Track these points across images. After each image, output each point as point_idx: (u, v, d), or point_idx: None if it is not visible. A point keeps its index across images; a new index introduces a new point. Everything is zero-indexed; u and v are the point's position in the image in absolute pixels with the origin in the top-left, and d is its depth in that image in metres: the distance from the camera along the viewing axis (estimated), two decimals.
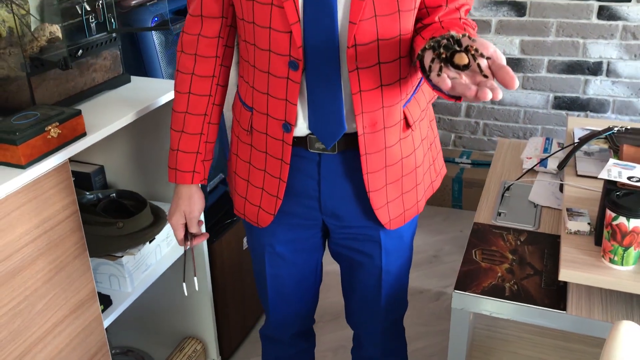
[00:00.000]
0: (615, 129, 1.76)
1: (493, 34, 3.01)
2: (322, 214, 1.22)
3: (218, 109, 1.26)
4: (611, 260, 1.31)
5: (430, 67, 0.89)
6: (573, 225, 1.43)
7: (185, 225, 1.34)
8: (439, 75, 0.86)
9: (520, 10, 2.92)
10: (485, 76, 0.85)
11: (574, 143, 1.80)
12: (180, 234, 1.35)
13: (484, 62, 0.86)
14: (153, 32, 1.74)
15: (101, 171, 1.87)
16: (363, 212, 1.21)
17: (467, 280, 1.45)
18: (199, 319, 2.02)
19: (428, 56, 0.90)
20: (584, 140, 1.76)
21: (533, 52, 2.99)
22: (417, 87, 1.19)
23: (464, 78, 0.87)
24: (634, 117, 2.97)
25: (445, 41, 0.89)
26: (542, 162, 1.90)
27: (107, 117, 1.44)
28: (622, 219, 1.25)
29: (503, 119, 3.17)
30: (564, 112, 3.07)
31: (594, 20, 2.84)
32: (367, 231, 1.24)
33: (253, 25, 1.08)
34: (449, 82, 0.84)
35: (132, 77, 1.69)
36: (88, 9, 1.67)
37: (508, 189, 1.81)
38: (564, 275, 1.32)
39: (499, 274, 1.46)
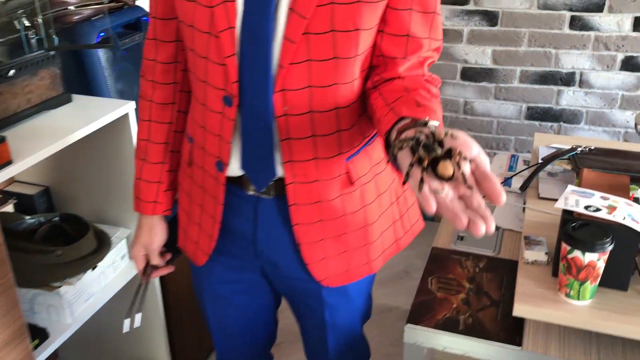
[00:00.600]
0: (579, 149, 1.70)
1: (465, 43, 2.95)
2: (259, 259, 1.15)
3: (180, 136, 1.18)
4: (567, 295, 1.24)
5: (408, 172, 0.76)
6: (530, 255, 1.37)
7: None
8: (420, 187, 0.73)
9: (491, 20, 2.87)
10: (470, 187, 0.74)
11: (537, 163, 1.74)
12: (140, 266, 1.28)
13: (467, 169, 0.74)
14: (99, 49, 1.65)
15: (46, 193, 1.79)
16: (300, 264, 1.12)
17: (420, 312, 1.38)
18: (153, 345, 1.94)
19: (405, 158, 0.77)
20: (547, 160, 1.70)
21: (505, 62, 2.93)
22: (370, 139, 1.09)
23: (448, 193, 0.74)
24: (607, 127, 2.92)
25: (423, 138, 0.77)
26: (507, 181, 1.84)
27: (40, 141, 1.35)
28: (577, 253, 1.19)
29: (476, 129, 3.11)
30: (537, 123, 3.01)
31: (566, 30, 2.79)
32: (307, 284, 1.15)
33: (193, 53, 1.01)
34: (433, 205, 0.71)
35: (75, 96, 1.60)
36: (27, 24, 1.58)
37: (462, 238, 1.72)
38: (519, 310, 1.26)
39: (455, 305, 1.40)
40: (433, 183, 0.74)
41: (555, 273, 1.31)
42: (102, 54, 1.67)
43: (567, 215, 1.27)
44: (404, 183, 0.76)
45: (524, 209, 1.67)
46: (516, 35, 2.86)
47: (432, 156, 0.75)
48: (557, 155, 1.70)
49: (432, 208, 0.71)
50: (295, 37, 0.90)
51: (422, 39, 0.97)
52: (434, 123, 0.81)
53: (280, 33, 0.91)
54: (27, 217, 1.64)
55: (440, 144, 0.77)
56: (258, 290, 1.22)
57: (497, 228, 1.66)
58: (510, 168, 1.94)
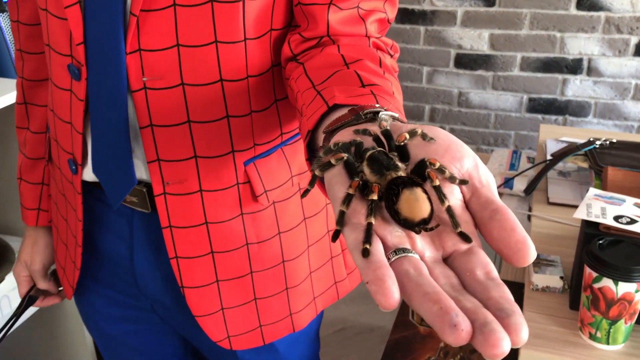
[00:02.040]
0: (598, 142, 1.38)
1: (459, 26, 2.63)
2: (144, 295, 0.82)
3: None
4: (592, 337, 0.92)
5: (342, 215, 0.40)
6: (540, 279, 1.05)
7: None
8: (365, 252, 0.37)
9: None
10: (465, 237, 0.39)
11: (545, 160, 1.41)
12: (21, 290, 0.97)
13: (455, 199, 0.41)
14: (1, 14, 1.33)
15: None
16: (190, 315, 0.77)
17: (397, 354, 1.06)
18: None
19: (337, 184, 0.42)
20: (558, 157, 1.38)
21: (504, 48, 2.62)
22: (292, 137, 0.75)
23: (424, 249, 0.40)
24: (618, 121, 2.61)
25: (370, 143, 0.44)
26: (508, 182, 1.52)
27: None
28: (607, 281, 0.87)
29: (471, 123, 2.79)
30: (539, 116, 2.70)
31: (573, 10, 2.48)
32: (211, 340, 0.79)
33: (36, 5, 0.70)
34: (395, 292, 0.34)
35: None
36: None
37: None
38: (526, 356, 0.94)
39: (441, 345, 1.07)
40: (392, 235, 0.39)
41: (574, 305, 0.99)
42: (4, 24, 1.35)
43: (591, 228, 0.95)
44: (334, 239, 0.40)
45: (529, 217, 1.35)
46: (516, 16, 2.55)
47: (385, 178, 0.41)
48: (570, 150, 1.37)
49: (390, 295, 0.34)
50: None
51: None
52: (389, 114, 0.47)
53: None
54: None
55: (402, 153, 0.43)
56: (159, 330, 0.89)
57: None
58: (512, 166, 1.62)
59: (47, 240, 0.94)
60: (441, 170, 0.40)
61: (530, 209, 1.36)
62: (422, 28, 2.69)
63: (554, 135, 1.64)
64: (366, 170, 0.42)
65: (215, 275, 0.73)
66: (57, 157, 0.77)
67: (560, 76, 2.62)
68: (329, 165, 0.43)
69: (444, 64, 2.72)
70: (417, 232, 0.40)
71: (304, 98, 0.58)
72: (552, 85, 2.64)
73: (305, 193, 0.46)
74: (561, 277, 1.04)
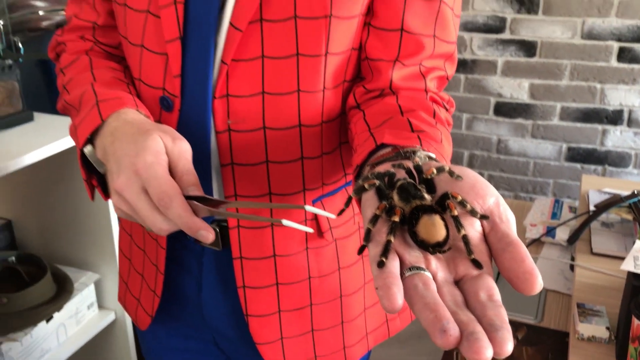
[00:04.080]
0: None
1: (499, 75, 2.68)
2: (208, 328, 0.86)
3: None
4: None
5: (369, 231, 0.46)
6: (586, 329, 1.06)
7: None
8: (380, 263, 0.43)
9: (529, 50, 2.60)
10: (476, 263, 0.44)
11: (588, 211, 1.44)
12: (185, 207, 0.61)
13: (474, 230, 0.46)
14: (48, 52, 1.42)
15: (7, 227, 1.54)
16: (252, 344, 0.82)
17: None
18: None
19: (369, 207, 0.49)
20: (602, 208, 1.40)
21: (544, 97, 2.65)
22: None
23: (437, 270, 0.45)
24: None
25: (402, 174, 0.50)
26: (550, 231, 1.54)
27: None
28: None
29: (510, 170, 2.81)
30: (578, 165, 2.71)
31: (614, 63, 2.51)
32: None
33: (126, 41, 0.76)
34: (399, 298, 0.40)
35: (38, 115, 1.37)
36: None
37: (497, 280, 1.43)
38: None
39: None
40: (410, 255, 0.45)
41: (621, 356, 1.01)
42: None
43: (638, 280, 0.97)
44: (359, 252, 0.46)
45: (572, 267, 1.36)
46: (556, 67, 2.59)
47: (411, 205, 0.46)
48: (614, 202, 1.40)
49: (394, 300, 0.40)
50: (242, 24, 0.66)
51: (423, 36, 0.69)
52: (425, 153, 0.53)
53: (227, 18, 0.67)
54: None
55: (430, 186, 0.48)
56: None
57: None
58: (554, 215, 1.64)
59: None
60: (462, 203, 0.45)
61: (573, 259, 1.38)
62: (462, 76, 2.74)
63: (596, 185, 1.66)
64: (395, 197, 0.47)
65: (278, 306, 0.78)
66: None
67: (600, 126, 2.63)
68: (362, 190, 0.50)
69: (483, 111, 2.76)
70: (432, 253, 0.45)
71: (359, 138, 0.64)
72: (591, 135, 2.65)
73: (340, 212, 0.52)
74: (607, 328, 1.06)
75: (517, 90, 2.68)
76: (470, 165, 2.88)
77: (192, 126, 0.71)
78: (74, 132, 0.70)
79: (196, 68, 0.69)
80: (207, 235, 0.58)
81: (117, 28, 0.78)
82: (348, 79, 0.73)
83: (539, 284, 0.41)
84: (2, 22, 1.33)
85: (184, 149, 0.62)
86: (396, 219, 0.45)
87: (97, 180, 0.70)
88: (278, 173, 0.72)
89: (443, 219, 0.45)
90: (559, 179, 2.76)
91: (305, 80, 0.69)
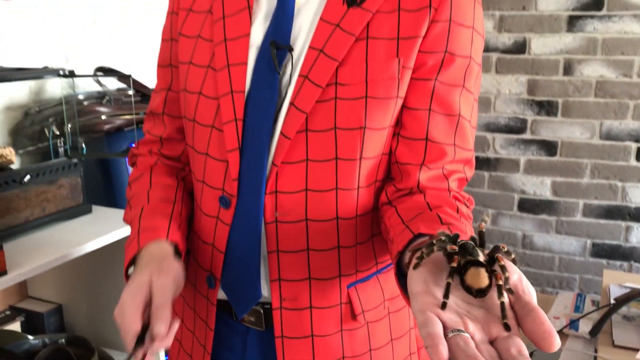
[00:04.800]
0: None
1: (522, 173, 2.79)
2: None
3: (188, 197, 0.94)
4: None
5: (444, 304, 0.56)
6: None
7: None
8: (443, 302, 0.55)
9: (550, 149, 2.72)
10: (507, 326, 0.54)
11: (609, 304, 1.49)
12: (132, 330, 0.71)
13: (506, 298, 0.55)
14: (127, 159, 1.58)
15: (58, 311, 1.65)
16: None
17: None
18: None
19: (415, 279, 0.60)
20: (622, 301, 1.46)
21: (566, 194, 2.74)
22: (385, 266, 0.91)
23: (474, 332, 0.54)
24: None
25: (456, 243, 0.59)
26: (573, 323, 1.59)
27: (43, 253, 1.24)
28: None
29: (536, 265, 2.86)
30: (604, 261, 2.74)
31: (633, 162, 2.61)
32: None
33: (193, 150, 0.89)
34: (445, 353, 0.50)
35: (96, 207, 1.51)
36: (57, 132, 1.54)
37: (531, 355, 1.49)
38: None
39: None
40: (450, 319, 0.55)
41: None
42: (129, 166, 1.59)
43: None
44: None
45: (595, 358, 1.41)
46: (577, 166, 2.69)
47: (468, 258, 0.57)
48: (633, 295, 1.46)
49: (441, 354, 0.50)
50: (290, 133, 0.79)
51: (445, 145, 0.82)
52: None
53: (279, 128, 0.80)
54: (31, 338, 1.49)
55: (482, 248, 0.60)
56: None
57: None
58: (577, 309, 1.69)
59: (179, 267, 0.78)
60: (504, 268, 0.56)
61: (596, 351, 1.42)
62: (486, 173, 2.86)
63: (618, 280, 1.71)
64: (458, 251, 0.58)
65: None
66: (193, 275, 0.93)
67: (623, 223, 2.69)
68: (432, 245, 0.60)
69: (508, 207, 2.85)
70: (475, 297, 0.56)
71: (395, 230, 0.75)
72: (615, 232, 2.70)
73: (416, 266, 0.61)
74: None
75: (539, 187, 2.78)
76: None
77: (245, 219, 0.83)
78: (126, 247, 0.85)
79: (252, 171, 0.81)
80: None
81: (185, 139, 0.92)
82: (380, 179, 0.85)
83: (557, 342, 0.51)
84: (70, 126, 1.51)
85: (164, 285, 0.74)
86: (454, 264, 0.56)
87: None
88: (317, 260, 0.83)
89: (487, 272, 0.56)
90: (584, 274, 2.79)
91: (343, 179, 0.81)
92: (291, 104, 0.79)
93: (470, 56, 0.82)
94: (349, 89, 0.78)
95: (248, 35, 0.83)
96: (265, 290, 0.85)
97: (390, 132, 0.82)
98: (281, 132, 0.80)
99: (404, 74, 0.79)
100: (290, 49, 0.80)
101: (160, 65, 0.96)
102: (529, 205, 2.81)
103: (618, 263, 2.73)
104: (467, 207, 0.84)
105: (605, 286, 1.66)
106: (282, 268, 0.83)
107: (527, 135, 2.75)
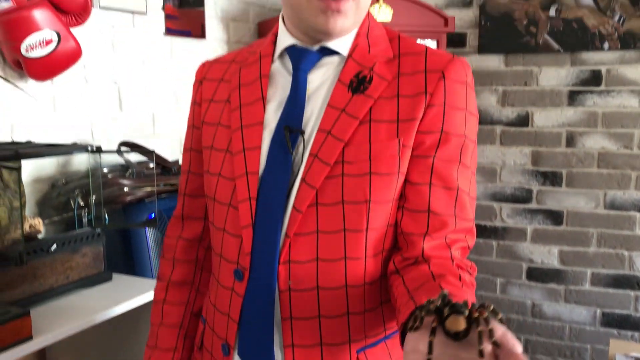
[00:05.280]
0: None
1: (529, 242, 2.83)
2: None
3: (196, 321, 1.10)
4: None
5: (416, 317, 0.66)
6: None
7: None
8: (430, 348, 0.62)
9: (556, 219, 2.77)
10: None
11: None
12: None
13: (488, 347, 0.61)
14: (147, 229, 1.66)
15: None
16: None
17: None
18: None
19: (410, 339, 0.67)
20: None
21: (574, 263, 2.77)
22: (393, 332, 0.96)
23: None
24: None
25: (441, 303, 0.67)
26: None
27: (66, 320, 1.30)
28: None
29: (546, 335, 2.86)
30: (615, 331, 2.74)
31: (638, 232, 2.65)
32: None
33: (212, 226, 0.98)
34: None
35: (116, 275, 1.58)
36: (82, 204, 1.63)
37: None
38: None
39: None
40: (437, 344, 0.62)
41: None
42: (149, 235, 1.67)
43: None
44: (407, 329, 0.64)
45: None
46: (584, 235, 2.74)
47: (451, 311, 0.64)
48: None
49: None
50: (302, 207, 0.87)
51: (446, 216, 0.89)
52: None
53: (292, 203, 0.88)
54: None
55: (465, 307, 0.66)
56: None
57: None
58: None
59: None
60: (486, 320, 0.62)
61: None
62: (494, 242, 2.91)
63: (624, 350, 1.74)
64: (438, 301, 0.65)
65: None
66: (210, 343, 0.99)
67: (632, 292, 2.70)
68: (429, 304, 0.66)
69: (516, 276, 2.88)
70: (454, 340, 0.63)
71: (401, 300, 0.81)
72: (625, 301, 2.71)
73: (411, 329, 0.67)
74: None
75: (547, 256, 2.82)
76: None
77: (260, 288, 0.89)
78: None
79: (265, 243, 0.88)
80: None
81: (207, 217, 1.00)
82: (386, 248, 0.91)
83: None
84: (94, 197, 1.60)
85: None
86: (445, 314, 0.64)
87: None
88: (328, 326, 0.89)
89: (465, 319, 0.63)
90: (596, 344, 2.78)
91: (351, 249, 0.88)
92: (303, 180, 0.87)
93: (464, 135, 0.89)
94: (355, 166, 0.86)
95: (262, 122, 0.92)
96: (278, 356, 0.91)
97: (395, 205, 0.90)
98: (294, 206, 0.87)
99: (404, 152, 0.87)
100: (302, 132, 0.89)
101: (184, 149, 1.06)
102: (537, 274, 2.84)
103: (629, 333, 2.72)
104: (470, 274, 0.90)
105: (612, 356, 1.68)
106: (295, 334, 0.89)
107: (533, 205, 2.81)
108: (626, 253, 2.68)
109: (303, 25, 0.91)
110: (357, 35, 0.93)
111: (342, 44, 0.92)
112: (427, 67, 0.89)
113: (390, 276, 0.90)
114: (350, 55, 0.91)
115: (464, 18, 2.81)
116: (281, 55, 0.96)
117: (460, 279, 0.83)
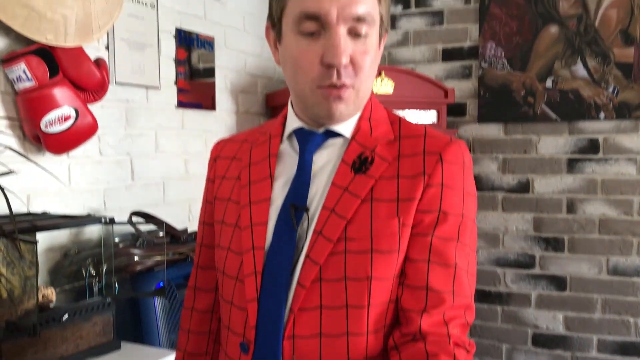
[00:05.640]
0: None
1: (534, 308, 2.84)
2: None
3: None
4: None
5: None
6: None
7: None
8: None
9: (560, 284, 2.79)
10: None
11: None
12: None
13: None
14: (155, 298, 1.70)
15: None
16: None
17: None
18: None
19: None
20: None
21: (580, 329, 2.76)
22: None
23: None
24: None
25: None
26: None
27: None
28: None
29: None
30: None
31: None
32: None
33: (222, 298, 1.02)
34: None
35: (125, 344, 1.60)
36: (93, 273, 1.67)
37: None
38: None
39: None
40: None
41: None
42: (158, 303, 1.71)
43: None
44: None
45: None
46: (588, 301, 2.74)
47: None
48: None
49: None
50: (306, 283, 0.90)
51: (444, 292, 0.92)
52: None
53: (296, 278, 0.92)
54: None
55: None
56: None
57: None
58: None
59: None
60: None
61: None
62: (499, 308, 2.91)
63: None
64: None
65: None
66: None
67: None
68: None
69: (522, 342, 2.87)
70: None
71: None
72: None
73: None
74: None
75: (552, 322, 2.82)
76: None
77: None
78: None
79: (270, 318, 0.92)
80: None
81: (217, 290, 1.05)
82: (388, 324, 0.95)
83: None
84: (105, 266, 1.64)
85: None
86: None
87: None
88: None
89: None
90: None
91: (353, 325, 0.91)
92: (307, 256, 0.91)
93: (462, 214, 0.94)
94: (357, 243, 0.91)
95: (269, 199, 0.98)
96: None
97: (395, 282, 0.93)
98: (298, 282, 0.91)
99: (404, 230, 0.91)
100: (307, 209, 0.95)
101: (199, 222, 1.12)
102: (543, 340, 2.83)
103: None
104: (468, 351, 0.93)
105: None
106: None
107: (537, 271, 2.83)
108: (632, 319, 2.68)
109: (308, 111, 0.98)
110: (360, 118, 0.99)
111: (345, 127, 0.98)
112: (425, 149, 0.95)
113: (390, 351, 0.93)
114: (353, 137, 0.97)
115: (463, 89, 2.91)
116: (289, 137, 1.02)
117: (454, 357, 0.86)
